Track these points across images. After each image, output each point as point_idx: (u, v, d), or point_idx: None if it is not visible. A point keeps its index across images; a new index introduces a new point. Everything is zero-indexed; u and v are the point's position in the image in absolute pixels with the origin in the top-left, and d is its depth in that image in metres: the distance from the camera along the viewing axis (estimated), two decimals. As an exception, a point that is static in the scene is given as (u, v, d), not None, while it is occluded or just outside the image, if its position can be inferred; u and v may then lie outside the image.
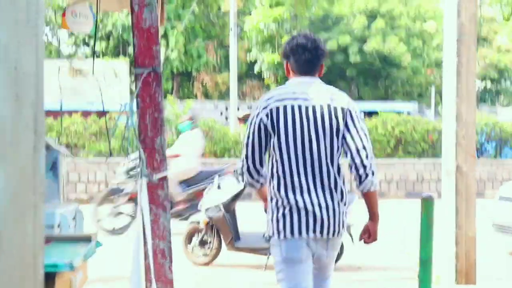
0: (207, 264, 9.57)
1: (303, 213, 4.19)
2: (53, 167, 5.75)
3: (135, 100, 3.80)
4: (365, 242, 4.57)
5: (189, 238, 9.67)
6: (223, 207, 9.35)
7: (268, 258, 9.00)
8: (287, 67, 4.49)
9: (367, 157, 4.28)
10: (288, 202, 4.20)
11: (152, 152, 3.84)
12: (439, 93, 38.57)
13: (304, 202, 4.19)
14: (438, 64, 38.14)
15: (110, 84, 30.35)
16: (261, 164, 4.34)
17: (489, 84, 41.96)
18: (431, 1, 39.28)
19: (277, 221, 4.24)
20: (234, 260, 9.87)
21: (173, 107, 19.97)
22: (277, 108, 4.22)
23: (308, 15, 22.04)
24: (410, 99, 37.30)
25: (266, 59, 21.25)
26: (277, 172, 4.26)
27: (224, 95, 33.60)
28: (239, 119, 24.43)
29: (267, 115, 4.23)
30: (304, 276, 4.27)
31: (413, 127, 20.90)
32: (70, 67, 30.18)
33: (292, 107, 4.23)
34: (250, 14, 22.81)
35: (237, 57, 22.21)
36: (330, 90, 4.44)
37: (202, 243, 9.61)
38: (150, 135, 3.83)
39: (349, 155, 4.31)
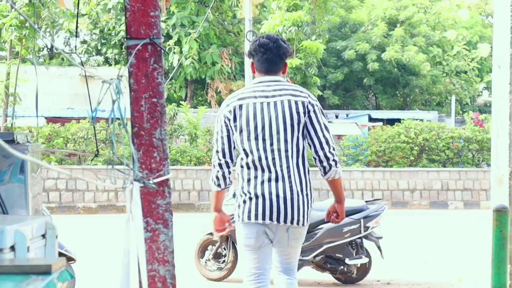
0: (221, 279, 8.72)
1: (260, 200, 4.48)
2: (21, 169, 4.62)
3: (123, 78, 2.91)
4: (333, 221, 4.94)
5: (202, 250, 8.84)
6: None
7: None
8: (252, 66, 4.74)
9: (329, 149, 4.56)
10: (248, 190, 4.52)
11: (149, 149, 3.05)
12: (459, 102, 37.91)
13: (262, 191, 4.48)
14: (458, 73, 37.53)
15: (122, 91, 29.85)
16: (231, 158, 4.60)
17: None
18: (451, 9, 38.56)
19: (239, 206, 4.62)
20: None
21: (186, 114, 19.23)
22: (240, 106, 4.52)
23: (327, 19, 21.28)
24: (429, 108, 36.54)
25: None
26: (241, 163, 4.58)
27: (239, 103, 32.77)
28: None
29: (229, 112, 4.53)
30: (261, 260, 4.65)
31: (437, 135, 20.02)
32: (81, 74, 29.68)
33: (254, 104, 4.52)
34: (267, 19, 22.17)
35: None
36: (292, 87, 4.67)
37: (217, 256, 8.76)
38: (147, 126, 3.04)
39: (313, 148, 4.58)
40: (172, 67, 31.13)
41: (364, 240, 8.58)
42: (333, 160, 4.56)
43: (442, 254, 11.10)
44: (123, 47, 38.05)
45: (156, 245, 3.03)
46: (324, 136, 4.52)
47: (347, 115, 31.60)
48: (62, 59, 39.57)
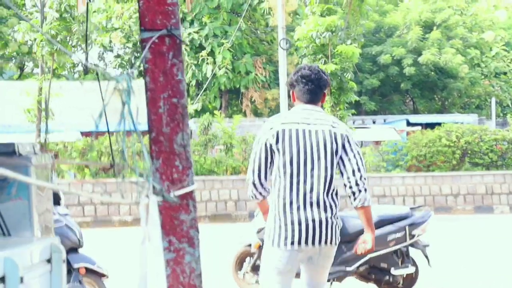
0: (260, 293, 8.34)
1: (296, 227, 4.65)
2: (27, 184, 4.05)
3: (135, 73, 2.50)
4: (362, 252, 5.16)
5: (239, 263, 8.48)
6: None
7: (331, 284, 7.79)
8: (293, 95, 4.95)
9: (361, 177, 4.77)
10: (284, 215, 4.66)
11: (170, 157, 2.66)
12: (499, 104, 37.12)
13: (299, 216, 4.65)
14: (498, 74, 36.76)
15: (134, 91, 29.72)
16: (266, 178, 4.82)
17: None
18: (488, 10, 37.81)
19: (274, 231, 4.70)
20: (292, 289, 8.64)
21: (220, 123, 18.90)
22: (283, 130, 4.70)
23: (362, 23, 20.87)
24: (468, 111, 35.86)
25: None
26: (278, 187, 4.73)
27: (274, 111, 32.61)
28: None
29: (273, 136, 4.70)
30: (285, 284, 4.78)
31: (479, 137, 19.39)
32: (117, 88, 29.56)
33: (297, 131, 4.72)
34: (300, 25, 21.89)
35: (286, 73, 21.10)
36: (331, 118, 4.97)
37: (255, 268, 8.36)
38: (166, 130, 2.67)
39: (345, 175, 4.80)
40: (206, 77, 31.00)
41: (410, 248, 8.14)
42: (363, 187, 4.78)
43: (491, 261, 10.60)
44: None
45: (181, 267, 2.63)
46: (357, 164, 4.78)
47: (384, 121, 31.11)
48: (97, 73, 39.54)
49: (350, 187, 4.77)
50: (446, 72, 34.64)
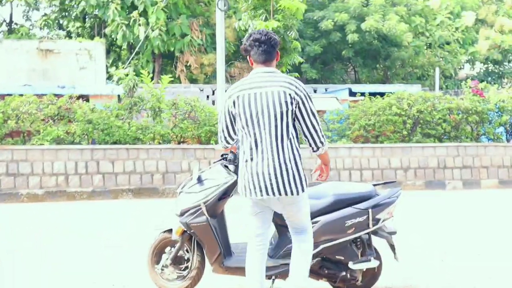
0: (183, 291, 6.51)
1: (256, 180, 5.35)
2: None
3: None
4: (319, 178, 5.86)
5: (157, 254, 6.61)
6: (206, 209, 6.25)
7: (273, 282, 6.21)
8: (250, 59, 5.57)
9: (316, 133, 5.50)
10: (247, 170, 5.40)
11: None
12: (441, 75, 36.08)
13: (257, 170, 5.34)
14: (441, 45, 35.79)
15: (85, 66, 27.76)
16: (234, 133, 5.60)
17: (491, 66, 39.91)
18: (433, -23, 36.75)
19: (241, 183, 5.49)
20: (223, 286, 6.81)
21: (148, 85, 16.89)
22: (237, 97, 5.41)
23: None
24: (410, 82, 34.82)
25: (259, 27, 18.29)
26: (243, 146, 5.46)
27: (210, 78, 31.06)
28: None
29: (233, 102, 5.43)
30: (260, 223, 5.60)
31: (433, 106, 17.81)
32: (39, 48, 27.37)
33: (249, 95, 5.39)
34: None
35: (224, 36, 19.36)
36: (283, 79, 5.49)
37: (177, 261, 6.54)
38: None
39: (302, 132, 5.52)
40: (138, 40, 29.25)
41: (372, 236, 6.44)
42: (320, 141, 5.55)
43: (457, 247, 9.03)
44: (85, 20, 35.85)
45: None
46: (311, 122, 5.44)
47: (326, 90, 29.76)
48: (22, 34, 37.31)
49: (309, 143, 5.56)
50: (389, 40, 33.86)
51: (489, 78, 39.16)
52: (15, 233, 10.45)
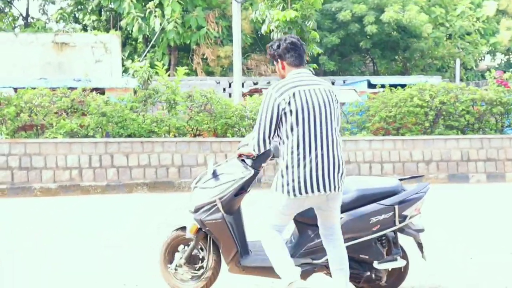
0: (198, 292, 6.13)
1: (313, 174, 5.22)
2: None
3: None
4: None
5: (170, 253, 6.24)
6: (222, 205, 5.88)
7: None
8: (282, 64, 5.53)
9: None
10: (299, 168, 5.22)
11: None
12: (462, 66, 35.54)
13: (316, 166, 5.23)
14: (462, 36, 35.24)
15: (100, 59, 27.49)
16: (271, 138, 5.32)
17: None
18: (453, -33, 36.21)
19: (285, 181, 5.26)
20: (240, 286, 6.48)
21: (162, 77, 16.53)
22: (294, 94, 5.26)
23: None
24: (430, 74, 34.26)
25: (276, 17, 17.87)
26: (292, 143, 5.25)
27: (227, 70, 30.75)
28: (244, 94, 21.13)
29: (288, 99, 5.23)
30: (286, 222, 5.51)
31: (456, 97, 17.31)
32: (55, 41, 27.12)
33: (306, 91, 5.30)
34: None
35: (240, 28, 19.02)
36: (318, 78, 5.59)
37: (191, 260, 6.16)
38: None
39: None
40: (153, 32, 28.98)
41: (399, 234, 6.04)
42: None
43: (485, 242, 8.61)
44: (101, 13, 35.63)
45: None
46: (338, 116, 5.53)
47: (344, 82, 29.37)
48: (38, 28, 37.21)
49: None
50: (409, 31, 33.34)
51: (511, 69, 38.59)
52: (28, 228, 10.20)
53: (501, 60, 41.75)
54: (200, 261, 6.18)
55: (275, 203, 5.35)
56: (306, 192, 5.20)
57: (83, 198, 14.02)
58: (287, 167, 5.24)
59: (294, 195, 5.21)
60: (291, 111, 5.21)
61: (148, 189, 15.01)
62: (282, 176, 5.25)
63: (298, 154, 5.21)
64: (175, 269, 6.14)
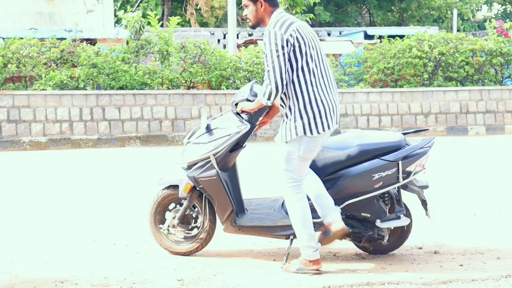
0: (192, 253, 5.88)
1: (328, 112, 5.13)
2: None
3: None
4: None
5: (160, 212, 5.94)
6: (216, 161, 5.57)
7: (290, 245, 5.54)
8: (265, 5, 5.15)
9: None
10: (317, 103, 5.09)
11: None
12: (459, 17, 35.04)
13: (328, 103, 5.14)
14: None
15: (92, 9, 26.93)
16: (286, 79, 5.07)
17: None
18: None
19: (308, 121, 5.09)
20: (236, 247, 6.18)
21: (155, 27, 16.09)
22: (297, 29, 5.04)
23: None
24: (427, 24, 33.83)
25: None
26: (306, 80, 5.07)
27: (221, 21, 30.24)
28: (239, 46, 20.69)
29: (291, 35, 4.98)
30: (307, 168, 5.31)
31: (455, 47, 16.92)
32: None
33: (302, 26, 5.15)
34: None
35: (235, -23, 18.54)
36: None
37: (184, 220, 5.86)
38: None
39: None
40: (146, -19, 28.39)
41: (402, 191, 5.75)
42: None
43: (488, 198, 8.36)
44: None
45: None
46: None
47: (340, 33, 28.93)
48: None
49: None
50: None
51: (507, 20, 38.12)
52: (15, 182, 9.91)
53: (498, 10, 41.22)
54: (193, 221, 5.89)
55: (293, 152, 5.15)
56: (328, 128, 5.12)
57: (74, 152, 13.70)
58: (304, 106, 5.05)
59: (318, 132, 5.08)
60: (300, 47, 5.01)
61: (141, 143, 14.69)
62: (301, 117, 5.05)
63: (317, 90, 5.09)
64: (168, 229, 5.85)
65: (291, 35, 4.96)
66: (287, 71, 4.99)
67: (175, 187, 5.82)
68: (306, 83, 5.05)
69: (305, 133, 5.06)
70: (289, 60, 4.99)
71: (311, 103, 5.06)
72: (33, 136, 14.37)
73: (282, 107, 5.19)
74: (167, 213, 5.91)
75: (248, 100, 5.53)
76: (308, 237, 5.22)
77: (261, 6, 5.15)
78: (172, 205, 5.92)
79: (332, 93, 5.19)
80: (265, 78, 5.08)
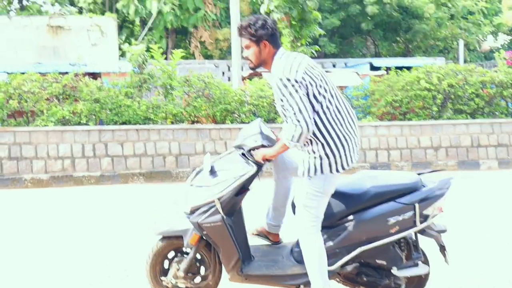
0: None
1: (347, 151, 5.03)
2: None
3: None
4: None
5: (160, 263, 5.57)
6: (221, 206, 5.22)
7: (300, 291, 5.17)
8: (270, 45, 5.03)
9: None
10: (342, 143, 5.00)
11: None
12: (466, 47, 34.88)
13: (347, 143, 5.05)
14: (465, 16, 34.66)
15: (96, 43, 26.82)
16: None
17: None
18: None
19: (328, 160, 5.00)
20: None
21: (158, 60, 15.83)
22: (308, 70, 4.93)
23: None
24: (433, 55, 33.74)
25: (276, -4, 17.24)
26: (327, 121, 4.96)
27: (225, 53, 30.17)
28: (243, 78, 20.45)
29: (304, 79, 4.85)
30: (325, 205, 5.17)
31: (464, 79, 16.62)
32: (50, 24, 26.41)
33: (311, 66, 5.02)
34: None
35: (239, 10, 18.36)
36: None
37: (188, 270, 5.49)
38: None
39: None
40: (150, 15, 28.35)
41: (419, 235, 5.41)
42: None
43: (507, 238, 7.99)
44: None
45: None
46: None
47: (345, 64, 28.74)
48: (33, 11, 36.61)
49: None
50: (410, 12, 32.85)
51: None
52: (18, 221, 9.70)
53: (504, 40, 41.09)
54: (198, 271, 5.54)
55: (317, 188, 5.02)
56: (348, 165, 5.05)
57: (76, 190, 13.40)
58: (329, 145, 4.96)
59: (343, 168, 5.06)
60: (313, 90, 4.89)
61: (145, 179, 14.37)
62: (327, 156, 4.97)
63: (337, 128, 4.97)
64: (171, 282, 5.48)
65: (303, 78, 4.83)
66: (310, 108, 4.86)
67: (179, 238, 5.46)
68: (331, 120, 4.95)
69: (331, 171, 4.98)
70: (308, 98, 4.87)
71: (335, 143, 4.97)
72: (35, 173, 14.06)
73: (304, 145, 5.02)
74: (166, 261, 5.56)
75: (263, 146, 5.22)
76: (323, 285, 4.98)
77: (265, 47, 5.01)
78: (171, 254, 5.56)
79: (352, 126, 5.10)
80: (288, 121, 4.86)
